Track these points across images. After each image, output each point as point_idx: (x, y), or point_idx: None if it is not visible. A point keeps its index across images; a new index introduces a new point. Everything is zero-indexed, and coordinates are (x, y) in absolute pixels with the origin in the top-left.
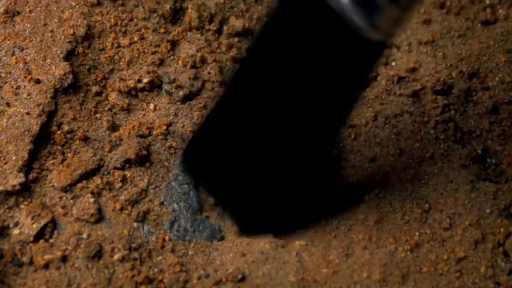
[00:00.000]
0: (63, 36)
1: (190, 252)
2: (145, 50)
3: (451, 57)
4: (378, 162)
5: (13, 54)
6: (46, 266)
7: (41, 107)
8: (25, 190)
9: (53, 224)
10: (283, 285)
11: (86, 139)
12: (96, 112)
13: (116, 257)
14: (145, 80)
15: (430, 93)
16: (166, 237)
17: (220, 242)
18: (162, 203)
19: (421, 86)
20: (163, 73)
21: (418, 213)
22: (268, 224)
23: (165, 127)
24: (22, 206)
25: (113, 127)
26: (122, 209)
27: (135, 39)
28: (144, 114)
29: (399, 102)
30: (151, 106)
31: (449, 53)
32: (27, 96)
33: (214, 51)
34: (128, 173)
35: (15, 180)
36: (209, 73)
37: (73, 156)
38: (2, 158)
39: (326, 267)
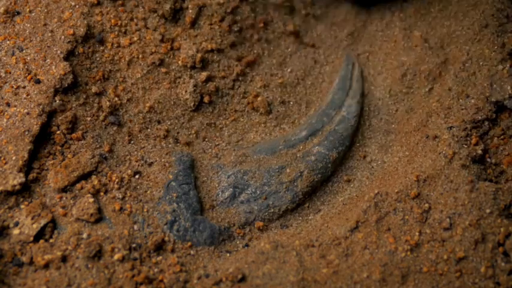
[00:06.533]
0: (63, 36)
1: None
2: (146, 50)
3: None
4: None
5: (13, 54)
6: (46, 266)
7: (41, 107)
8: (25, 190)
9: (53, 224)
10: (283, 285)
11: (85, 139)
12: (96, 112)
13: (116, 257)
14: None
15: None
16: (166, 238)
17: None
18: (162, 203)
19: None
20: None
21: (418, 213)
22: None
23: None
24: (22, 206)
25: (113, 126)
26: (121, 209)
27: (135, 39)
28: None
29: None
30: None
31: None
32: (27, 96)
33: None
34: (127, 173)
35: (15, 180)
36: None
37: (72, 157)
38: (2, 158)
39: (326, 267)
